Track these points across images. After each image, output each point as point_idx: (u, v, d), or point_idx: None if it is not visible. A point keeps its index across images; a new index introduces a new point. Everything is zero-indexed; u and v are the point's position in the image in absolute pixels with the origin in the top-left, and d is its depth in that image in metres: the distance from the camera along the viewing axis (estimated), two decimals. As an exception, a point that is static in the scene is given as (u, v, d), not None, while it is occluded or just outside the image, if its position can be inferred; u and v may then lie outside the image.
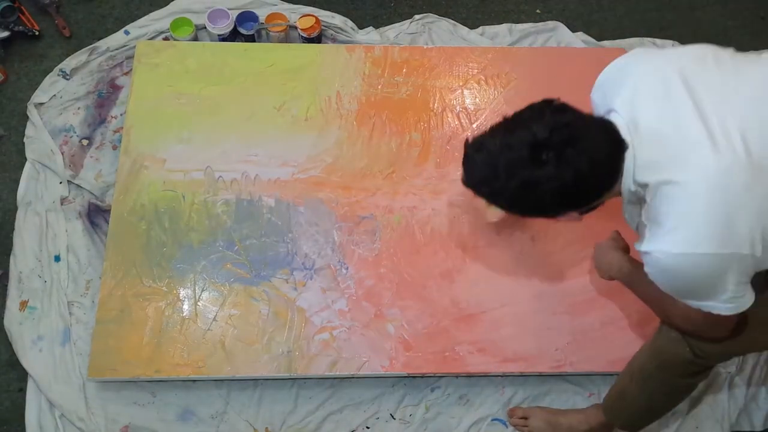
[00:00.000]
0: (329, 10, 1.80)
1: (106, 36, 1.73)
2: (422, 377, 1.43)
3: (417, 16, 1.82)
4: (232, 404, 1.39)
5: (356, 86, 1.63)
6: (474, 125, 1.61)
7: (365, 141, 1.57)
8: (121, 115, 1.63)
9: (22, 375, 1.41)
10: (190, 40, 1.69)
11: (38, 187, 1.56)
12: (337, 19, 1.78)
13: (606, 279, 1.27)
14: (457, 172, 1.55)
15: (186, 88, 1.59)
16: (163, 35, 1.73)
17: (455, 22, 1.84)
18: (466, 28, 1.84)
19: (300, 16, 1.72)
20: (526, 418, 1.39)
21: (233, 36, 1.71)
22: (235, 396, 1.40)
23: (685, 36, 1.87)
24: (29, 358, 1.40)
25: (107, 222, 1.48)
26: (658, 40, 1.85)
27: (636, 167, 0.96)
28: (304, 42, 1.72)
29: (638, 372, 1.21)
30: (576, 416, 1.37)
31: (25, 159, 1.59)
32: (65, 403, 1.37)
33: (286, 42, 1.72)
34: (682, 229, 0.92)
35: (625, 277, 1.21)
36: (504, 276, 1.47)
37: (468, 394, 1.44)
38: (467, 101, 1.64)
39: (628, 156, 0.96)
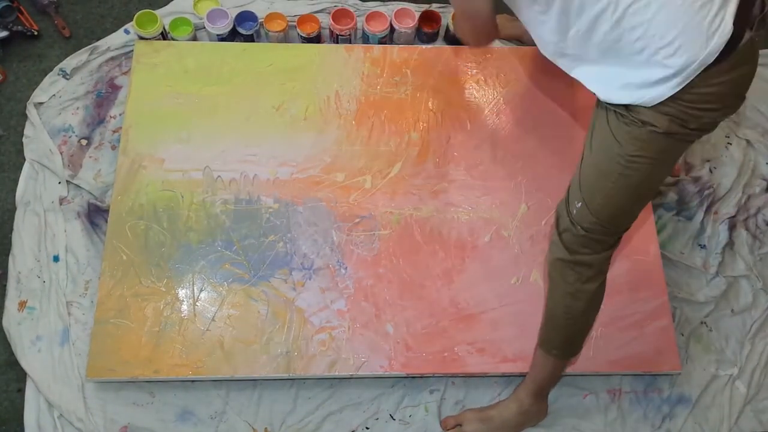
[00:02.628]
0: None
1: (105, 36, 1.73)
2: (421, 377, 1.42)
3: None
4: (231, 404, 1.39)
5: (355, 86, 1.62)
6: (473, 125, 1.60)
7: (364, 141, 1.57)
8: (120, 114, 1.63)
9: (21, 375, 1.41)
10: (189, 40, 1.69)
11: (37, 187, 1.55)
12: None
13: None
14: (456, 171, 1.56)
15: (185, 87, 1.59)
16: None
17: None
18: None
19: (299, 16, 1.72)
20: (460, 425, 1.38)
21: (232, 36, 1.70)
22: (234, 396, 1.40)
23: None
24: (28, 358, 1.40)
25: (107, 222, 1.48)
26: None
27: None
28: (303, 42, 1.72)
29: (549, 296, 1.26)
30: (504, 404, 1.37)
31: (24, 159, 1.59)
32: (64, 404, 1.37)
33: (285, 42, 1.72)
34: None
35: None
36: (504, 276, 1.46)
37: (467, 394, 1.43)
38: (466, 101, 1.63)
39: None
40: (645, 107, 1.07)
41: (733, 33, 0.98)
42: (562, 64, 1.18)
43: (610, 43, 1.05)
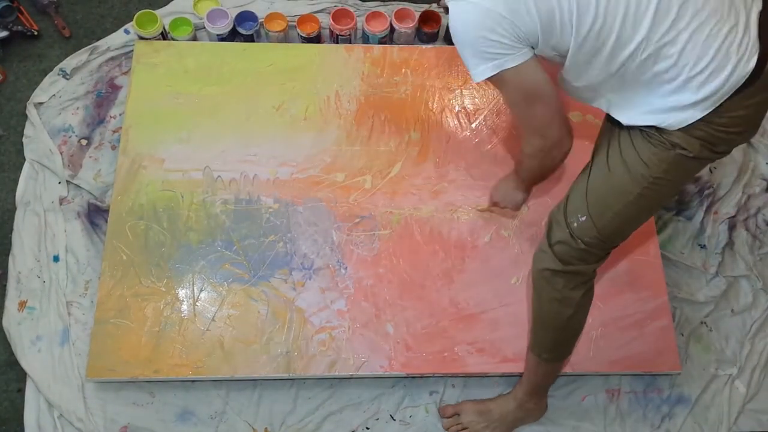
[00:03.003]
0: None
1: (105, 36, 1.73)
2: (422, 377, 1.42)
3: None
4: (231, 404, 1.39)
5: (355, 86, 1.62)
6: (473, 125, 1.61)
7: (364, 141, 1.57)
8: (120, 114, 1.63)
9: (21, 375, 1.41)
10: (189, 40, 1.69)
11: (37, 187, 1.55)
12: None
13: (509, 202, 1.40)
14: (456, 171, 1.56)
15: (185, 87, 1.59)
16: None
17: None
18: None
19: (299, 16, 1.72)
20: (458, 415, 1.39)
21: (232, 36, 1.70)
22: (234, 396, 1.40)
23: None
24: (28, 358, 1.40)
25: (107, 222, 1.47)
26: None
27: None
28: (303, 42, 1.72)
29: (535, 300, 1.25)
30: (503, 399, 1.38)
31: (24, 159, 1.59)
32: (64, 404, 1.37)
33: (285, 42, 1.72)
34: None
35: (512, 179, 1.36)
36: (504, 276, 1.46)
37: (467, 394, 1.43)
38: (466, 101, 1.63)
39: None
40: (674, 129, 1.05)
41: (759, 55, 0.98)
42: (582, 98, 1.15)
43: (638, 76, 1.03)
